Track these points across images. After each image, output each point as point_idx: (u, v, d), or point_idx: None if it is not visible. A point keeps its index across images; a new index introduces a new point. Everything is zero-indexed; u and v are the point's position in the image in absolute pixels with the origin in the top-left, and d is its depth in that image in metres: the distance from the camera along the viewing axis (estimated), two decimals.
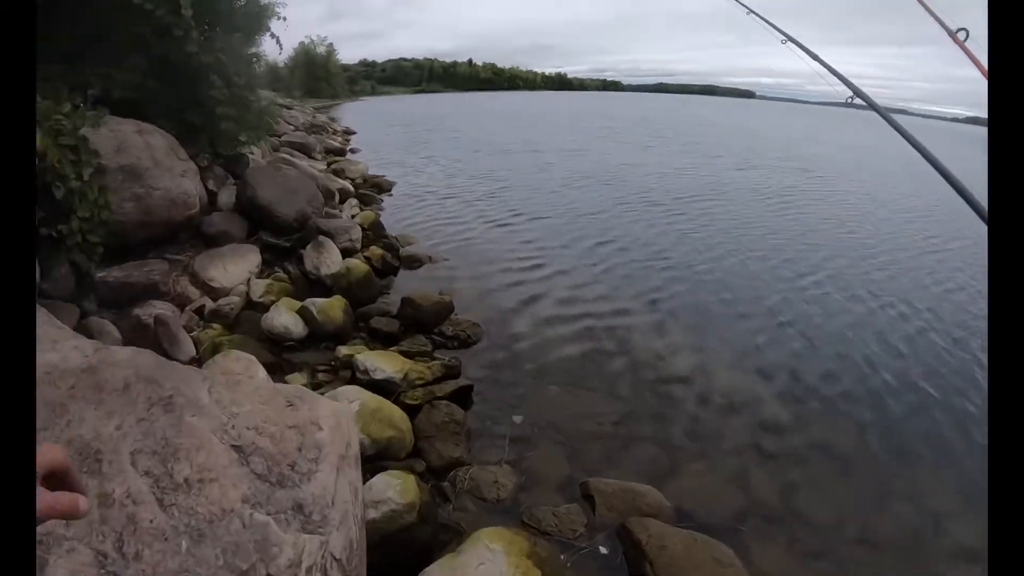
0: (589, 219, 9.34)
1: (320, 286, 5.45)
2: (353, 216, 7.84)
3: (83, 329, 3.85)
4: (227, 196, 6.36)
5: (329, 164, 11.79)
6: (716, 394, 4.26)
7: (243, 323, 4.66)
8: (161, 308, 4.26)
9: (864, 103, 2.33)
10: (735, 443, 3.71)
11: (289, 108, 16.85)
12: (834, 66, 2.64)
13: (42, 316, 1.91)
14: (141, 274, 4.42)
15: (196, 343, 4.13)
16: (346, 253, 6.14)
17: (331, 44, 50.51)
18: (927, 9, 2.58)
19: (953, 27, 2.28)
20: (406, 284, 6.05)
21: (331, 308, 4.69)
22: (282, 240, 6.06)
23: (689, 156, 18.60)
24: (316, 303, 4.68)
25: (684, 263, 7.31)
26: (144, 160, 4.88)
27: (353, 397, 3.39)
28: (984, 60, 1.96)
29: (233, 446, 1.77)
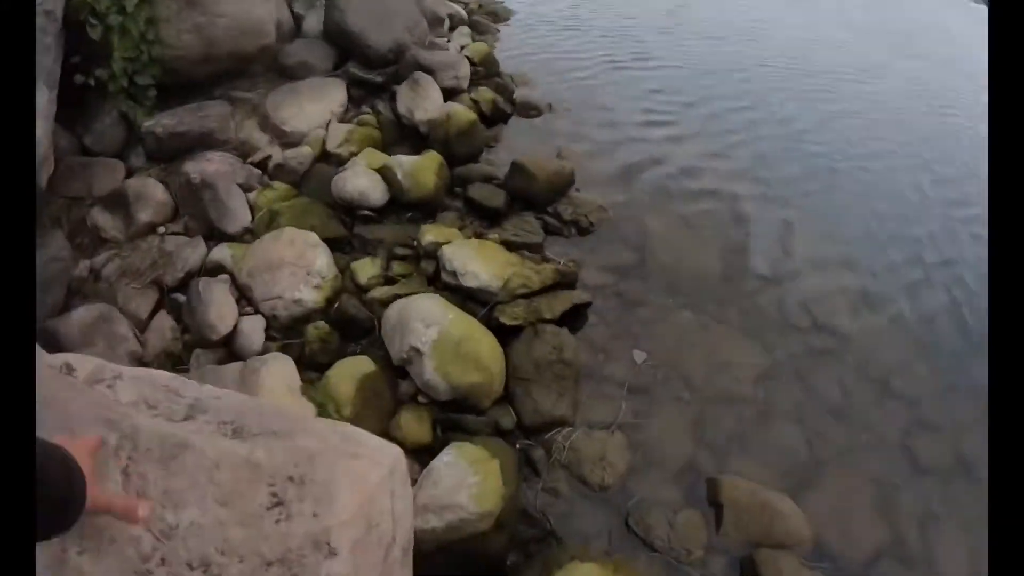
0: (724, 77, 7.53)
1: (413, 134, 4.45)
2: (462, 48, 6.56)
3: (121, 191, 3.19)
4: (314, 21, 5.31)
5: None
6: (866, 357, 3.43)
7: (313, 180, 3.80)
8: (217, 162, 3.49)
9: None
10: (883, 436, 3.02)
11: None
12: None
13: None
14: (194, 120, 3.61)
15: (252, 209, 3.37)
16: (450, 94, 4.98)
17: None
18: None
19: None
20: (518, 138, 4.89)
21: (421, 171, 3.73)
22: (373, 75, 4.98)
23: (840, 29, 15.29)
24: (403, 163, 3.73)
25: (832, 153, 5.86)
26: None
27: (431, 319, 2.50)
28: None
29: None
